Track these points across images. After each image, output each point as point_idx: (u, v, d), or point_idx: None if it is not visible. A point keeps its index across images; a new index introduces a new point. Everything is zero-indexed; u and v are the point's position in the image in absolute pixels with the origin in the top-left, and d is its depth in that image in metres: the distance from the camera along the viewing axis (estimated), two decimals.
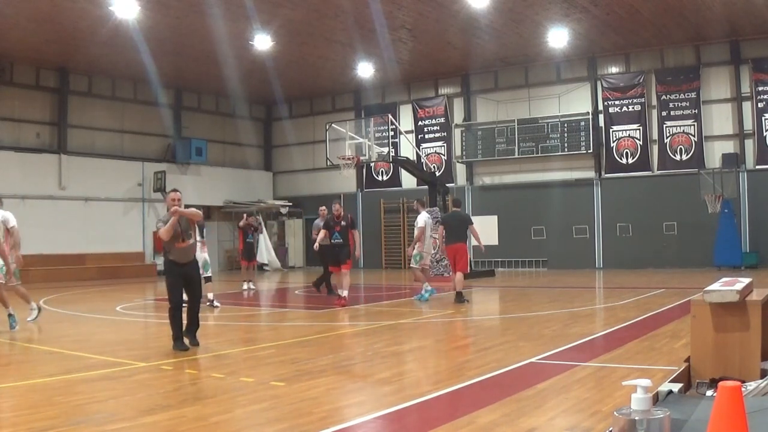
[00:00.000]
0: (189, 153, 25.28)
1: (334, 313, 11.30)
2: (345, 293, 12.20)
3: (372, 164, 23.75)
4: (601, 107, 22.07)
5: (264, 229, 25.32)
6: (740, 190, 19.75)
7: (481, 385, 5.64)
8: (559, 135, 22.33)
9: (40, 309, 10.30)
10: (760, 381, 4.05)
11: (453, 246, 12.70)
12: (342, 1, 16.63)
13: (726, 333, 4.51)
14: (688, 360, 4.69)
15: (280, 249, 27.09)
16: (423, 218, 13.28)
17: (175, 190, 7.88)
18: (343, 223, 12.53)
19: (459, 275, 12.39)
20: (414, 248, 13.24)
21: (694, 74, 20.60)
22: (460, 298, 12.19)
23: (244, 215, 17.14)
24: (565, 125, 22.24)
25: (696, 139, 20.62)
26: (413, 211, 13.84)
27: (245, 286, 16.17)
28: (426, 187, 20.47)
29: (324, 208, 15.35)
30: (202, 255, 12.12)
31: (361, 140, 19.43)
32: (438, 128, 24.87)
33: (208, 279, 12.18)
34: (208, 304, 12.00)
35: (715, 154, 20.42)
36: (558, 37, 19.43)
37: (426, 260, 13.44)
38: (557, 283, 17.19)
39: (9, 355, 7.75)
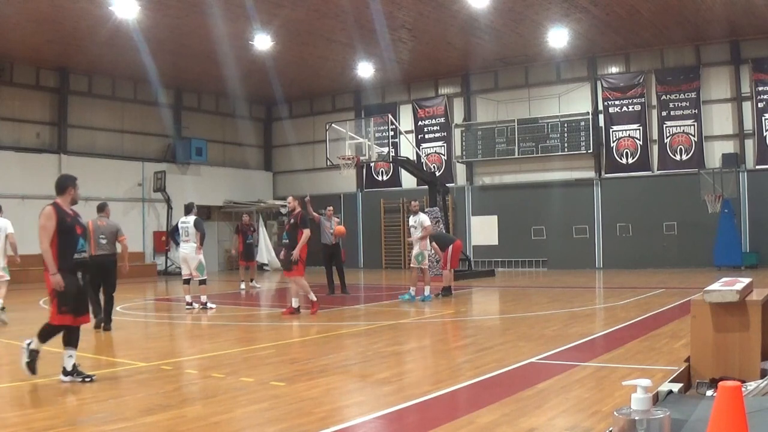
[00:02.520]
0: (189, 153, 25.27)
1: (334, 314, 11.30)
2: (294, 303, 10.91)
3: (372, 164, 23.73)
4: (601, 107, 22.06)
5: (264, 228, 25.33)
6: (740, 190, 19.74)
7: (481, 385, 5.64)
8: (559, 135, 22.32)
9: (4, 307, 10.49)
10: (760, 381, 4.05)
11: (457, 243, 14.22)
12: (342, 1, 16.63)
13: (726, 333, 4.51)
14: (688, 360, 4.69)
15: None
16: (429, 217, 13.51)
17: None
18: (292, 221, 10.91)
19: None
20: (416, 246, 13.17)
21: (694, 74, 20.59)
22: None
23: (244, 216, 17.36)
24: (565, 125, 22.23)
25: (696, 139, 20.61)
26: (413, 212, 13.57)
27: (242, 286, 16.28)
28: (426, 187, 20.46)
29: (331, 208, 15.48)
30: (197, 257, 12.13)
31: (361, 140, 19.40)
32: (438, 128, 24.87)
33: (202, 282, 12.18)
34: (201, 306, 12.00)
35: (715, 154, 20.41)
36: (558, 37, 19.42)
37: (426, 260, 13.39)
38: (557, 283, 17.18)
39: (9, 355, 7.74)
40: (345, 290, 14.62)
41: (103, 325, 9.34)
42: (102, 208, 9.81)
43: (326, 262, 14.91)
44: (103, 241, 9.43)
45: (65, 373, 5.96)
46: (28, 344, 6.05)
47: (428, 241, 13.30)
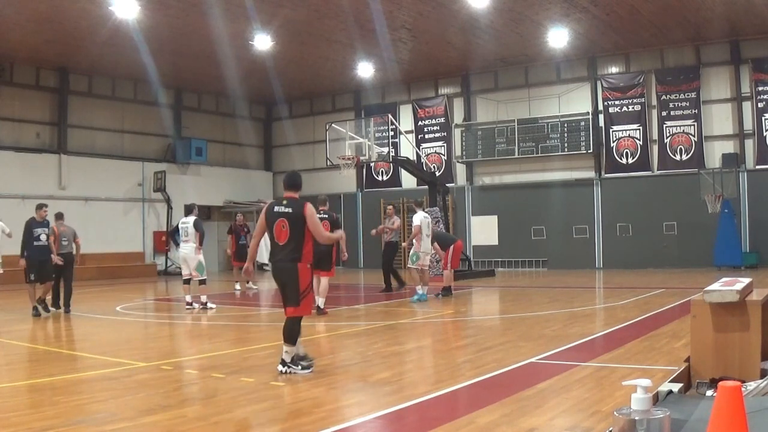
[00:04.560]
0: (189, 153, 25.28)
1: (334, 314, 11.30)
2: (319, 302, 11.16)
3: (372, 164, 23.74)
4: (601, 107, 22.06)
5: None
6: (740, 190, 19.74)
7: (481, 385, 5.64)
8: (559, 135, 22.32)
9: None
10: (760, 381, 4.05)
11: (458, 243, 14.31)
12: (342, 1, 16.63)
13: (726, 333, 4.51)
14: (688, 360, 4.69)
15: None
16: (419, 217, 13.24)
17: None
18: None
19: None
20: (411, 247, 13.25)
21: (694, 74, 20.59)
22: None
23: (237, 216, 17.32)
24: (565, 125, 22.23)
25: (696, 139, 20.61)
26: (413, 211, 13.87)
27: (237, 287, 16.17)
28: (426, 187, 20.46)
29: (391, 207, 15.95)
30: (197, 257, 12.13)
31: (361, 140, 19.39)
32: (438, 128, 24.87)
33: (202, 282, 12.17)
34: (201, 306, 11.99)
35: (715, 154, 20.41)
36: (558, 37, 19.42)
37: (425, 260, 13.37)
38: (557, 283, 17.18)
39: (10, 355, 7.75)
40: (397, 286, 15.08)
41: (63, 308, 11.61)
42: (60, 216, 12.09)
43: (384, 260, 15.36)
44: (65, 243, 11.82)
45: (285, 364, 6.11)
46: (290, 361, 6.09)
47: (424, 241, 13.22)
